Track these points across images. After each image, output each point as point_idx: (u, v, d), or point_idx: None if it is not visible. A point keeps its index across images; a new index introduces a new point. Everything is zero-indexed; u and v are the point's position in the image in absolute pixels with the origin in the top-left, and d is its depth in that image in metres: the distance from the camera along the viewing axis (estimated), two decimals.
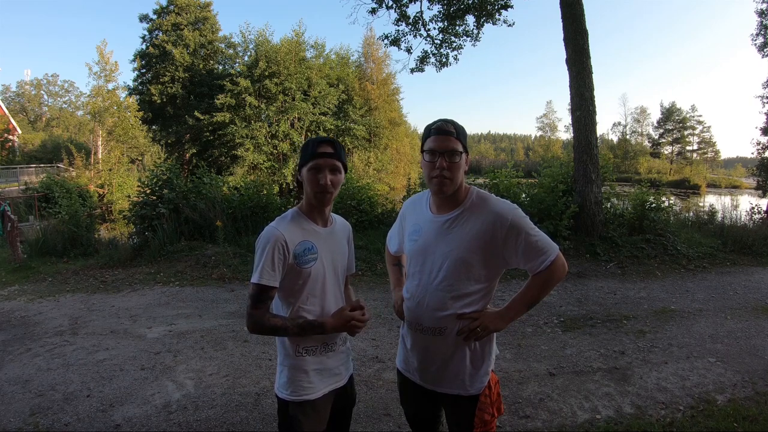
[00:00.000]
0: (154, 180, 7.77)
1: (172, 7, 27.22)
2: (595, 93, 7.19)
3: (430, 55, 10.35)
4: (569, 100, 7.45)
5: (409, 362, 1.62)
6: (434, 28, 10.09)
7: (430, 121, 1.52)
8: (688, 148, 48.95)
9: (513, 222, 1.43)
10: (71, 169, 22.52)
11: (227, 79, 25.82)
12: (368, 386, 3.12)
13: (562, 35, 7.32)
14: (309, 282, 1.46)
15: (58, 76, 57.14)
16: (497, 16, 9.57)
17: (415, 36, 10.19)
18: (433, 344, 1.52)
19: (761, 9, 14.85)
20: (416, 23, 10.02)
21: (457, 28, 9.96)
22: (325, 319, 1.48)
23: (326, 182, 1.43)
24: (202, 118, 25.54)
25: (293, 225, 1.47)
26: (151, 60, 27.26)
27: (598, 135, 7.33)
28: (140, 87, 28.15)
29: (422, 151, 1.50)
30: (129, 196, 11.53)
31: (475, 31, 9.98)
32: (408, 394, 1.69)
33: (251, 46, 27.88)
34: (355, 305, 1.53)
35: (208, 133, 26.57)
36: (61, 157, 23.86)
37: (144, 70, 28.03)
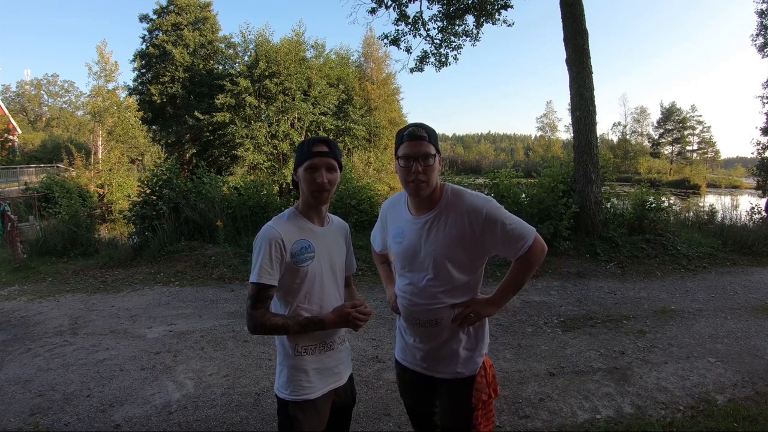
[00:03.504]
0: (154, 180, 7.78)
1: (172, 7, 27.19)
2: (595, 93, 7.20)
3: (430, 55, 10.35)
4: (569, 100, 7.46)
5: (406, 351, 1.70)
6: (434, 28, 10.10)
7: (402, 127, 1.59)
8: (688, 148, 48.84)
9: (487, 215, 1.49)
10: (71, 169, 22.52)
11: (227, 79, 25.80)
12: (368, 386, 3.12)
13: (562, 35, 7.33)
14: (306, 281, 1.47)
15: (58, 76, 57.30)
16: (497, 16, 9.57)
17: (414, 36, 10.19)
18: (429, 333, 1.60)
19: (761, 9, 14.89)
20: (416, 23, 10.02)
21: (456, 27, 9.96)
22: (325, 316, 1.49)
23: (323, 180, 1.44)
24: (202, 118, 25.52)
25: (290, 224, 1.49)
26: (151, 60, 27.24)
27: (598, 135, 7.34)
28: (140, 87, 28.13)
29: (396, 157, 1.55)
30: (129, 196, 11.55)
31: (475, 31, 9.98)
32: (407, 384, 1.76)
33: (251, 46, 27.88)
34: (355, 303, 1.54)
35: (208, 133, 26.56)
36: (61, 157, 23.87)
37: (144, 70, 28.01)
